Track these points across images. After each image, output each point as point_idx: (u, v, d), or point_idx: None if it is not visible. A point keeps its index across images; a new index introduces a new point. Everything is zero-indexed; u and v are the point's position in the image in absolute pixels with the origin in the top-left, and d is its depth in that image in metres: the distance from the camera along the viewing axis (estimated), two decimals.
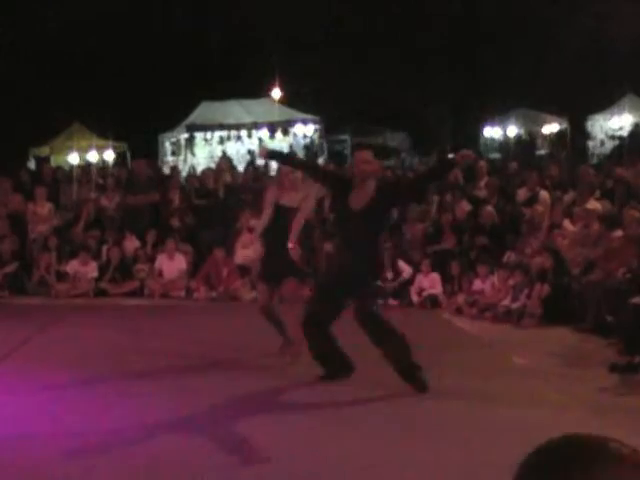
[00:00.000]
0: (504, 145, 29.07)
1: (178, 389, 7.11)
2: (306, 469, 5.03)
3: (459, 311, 12.09)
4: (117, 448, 5.37)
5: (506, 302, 11.46)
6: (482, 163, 16.58)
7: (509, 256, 12.74)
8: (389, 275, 13.30)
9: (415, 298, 12.90)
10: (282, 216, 8.24)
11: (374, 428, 5.88)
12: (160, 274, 14.11)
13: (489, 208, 13.87)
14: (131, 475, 4.94)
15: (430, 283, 12.92)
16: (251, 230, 14.64)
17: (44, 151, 27.45)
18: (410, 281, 13.19)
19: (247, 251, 14.29)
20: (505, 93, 28.45)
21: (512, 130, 28.76)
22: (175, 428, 5.86)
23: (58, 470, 4.95)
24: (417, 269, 13.22)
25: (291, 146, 27.23)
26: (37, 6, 30.24)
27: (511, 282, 11.64)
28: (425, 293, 12.85)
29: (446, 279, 13.02)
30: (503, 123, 29.34)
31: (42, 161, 24.39)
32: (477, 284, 12.21)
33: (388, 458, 5.20)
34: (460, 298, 12.27)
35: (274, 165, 24.96)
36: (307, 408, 6.54)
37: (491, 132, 29.95)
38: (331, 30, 32.54)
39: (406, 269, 13.30)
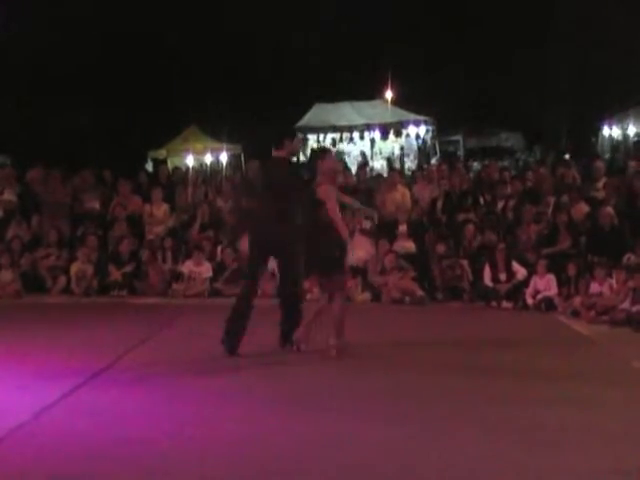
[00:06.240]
0: (623, 144, 28.25)
1: (293, 388, 7.13)
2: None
3: (576, 314, 11.79)
4: (233, 449, 5.39)
5: (626, 305, 11.11)
6: (600, 163, 16.15)
7: (629, 258, 12.37)
8: (503, 276, 13.10)
9: (530, 300, 12.67)
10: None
11: (485, 435, 5.77)
12: (273, 275, 14.20)
13: (608, 209, 13.50)
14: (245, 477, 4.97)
15: (545, 285, 12.67)
16: (363, 231, 14.65)
17: (161, 154, 28.10)
18: (525, 283, 12.96)
19: (359, 252, 14.28)
20: (625, 91, 27.63)
21: (632, 129, 27.89)
22: (288, 427, 5.88)
23: (173, 471, 5.01)
24: (532, 271, 12.98)
25: (402, 148, 27.14)
26: (154, 13, 31.00)
27: (631, 284, 11.28)
28: (540, 295, 12.59)
29: (562, 281, 12.73)
30: (622, 122, 28.51)
31: (159, 163, 24.97)
32: (594, 286, 11.88)
33: (502, 465, 5.10)
34: (577, 301, 11.96)
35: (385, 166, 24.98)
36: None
37: (609, 131, 29.15)
38: (444, 31, 32.31)
39: (520, 271, 13.07)
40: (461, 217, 14.96)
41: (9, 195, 16.00)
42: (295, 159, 9.17)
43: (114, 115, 30.47)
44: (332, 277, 8.51)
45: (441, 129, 28.40)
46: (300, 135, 26.26)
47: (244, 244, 14.92)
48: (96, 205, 16.30)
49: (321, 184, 8.46)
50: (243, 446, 5.42)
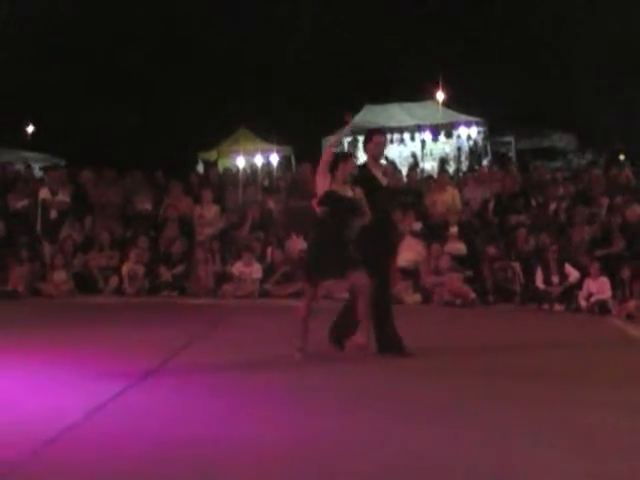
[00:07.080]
0: None
1: (340, 389, 7.10)
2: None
3: (630, 317, 11.61)
4: (281, 452, 5.37)
5: None
6: None
7: None
8: (555, 279, 12.94)
9: (583, 303, 12.49)
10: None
11: (526, 436, 5.68)
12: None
13: None
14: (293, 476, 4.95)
15: (599, 288, 12.48)
16: (413, 233, 14.58)
17: (212, 155, 28.28)
18: (578, 286, 12.78)
19: (409, 254, 14.21)
20: None
21: None
22: (334, 428, 5.85)
23: (221, 472, 5.01)
24: (585, 273, 12.80)
25: (459, 148, 26.97)
26: (208, 23, 31.23)
27: None
28: (593, 298, 12.41)
29: (616, 284, 12.54)
30: None
31: (210, 165, 25.11)
32: None
33: (538, 468, 5.02)
34: (631, 304, 11.78)
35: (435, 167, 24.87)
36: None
37: None
38: (495, 32, 32.08)
39: (573, 273, 12.91)
40: (513, 220, 14.81)
41: (63, 196, 16.17)
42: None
43: (165, 117, 30.75)
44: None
45: (493, 130, 28.16)
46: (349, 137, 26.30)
47: (293, 245, 15.04)
48: (148, 206, 16.44)
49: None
50: (284, 447, 5.40)
